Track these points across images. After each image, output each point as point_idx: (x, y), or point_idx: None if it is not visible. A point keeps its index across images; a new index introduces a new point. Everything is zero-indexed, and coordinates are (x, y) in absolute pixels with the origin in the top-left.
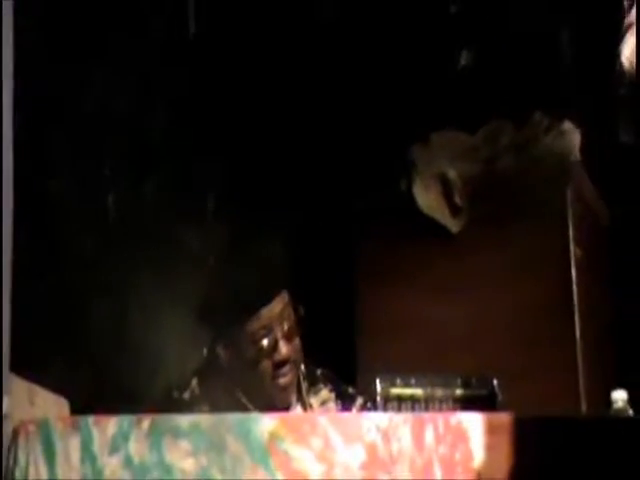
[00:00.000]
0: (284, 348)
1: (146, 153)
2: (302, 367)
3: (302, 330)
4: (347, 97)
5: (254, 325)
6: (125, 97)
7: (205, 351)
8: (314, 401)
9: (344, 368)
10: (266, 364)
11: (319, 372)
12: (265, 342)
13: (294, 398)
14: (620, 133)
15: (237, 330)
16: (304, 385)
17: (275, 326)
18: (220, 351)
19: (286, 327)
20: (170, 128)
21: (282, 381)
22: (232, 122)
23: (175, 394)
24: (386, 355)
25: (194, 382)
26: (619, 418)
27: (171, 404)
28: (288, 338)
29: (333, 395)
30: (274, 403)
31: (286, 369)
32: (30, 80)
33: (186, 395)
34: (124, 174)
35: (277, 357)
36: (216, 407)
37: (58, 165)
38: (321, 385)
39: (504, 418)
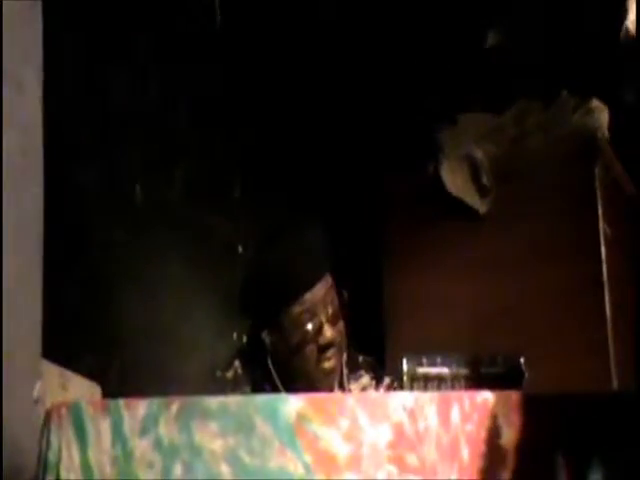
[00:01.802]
0: (328, 332)
1: (174, 139)
2: (345, 353)
3: (346, 314)
4: (377, 80)
5: (298, 309)
6: (150, 86)
7: (246, 337)
8: (354, 387)
9: (372, 350)
10: (311, 348)
11: (361, 359)
12: (309, 326)
13: (336, 384)
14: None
15: (282, 315)
16: (345, 371)
17: (319, 310)
18: (265, 336)
19: (330, 311)
20: (197, 114)
21: (327, 365)
22: (260, 105)
23: (218, 373)
24: (413, 336)
25: (237, 363)
26: (634, 395)
27: (214, 383)
28: (332, 322)
29: (374, 382)
30: (317, 388)
31: (330, 353)
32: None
33: (229, 374)
34: (153, 161)
35: (322, 341)
36: (258, 390)
37: (86, 152)
38: (362, 372)
39: (531, 396)
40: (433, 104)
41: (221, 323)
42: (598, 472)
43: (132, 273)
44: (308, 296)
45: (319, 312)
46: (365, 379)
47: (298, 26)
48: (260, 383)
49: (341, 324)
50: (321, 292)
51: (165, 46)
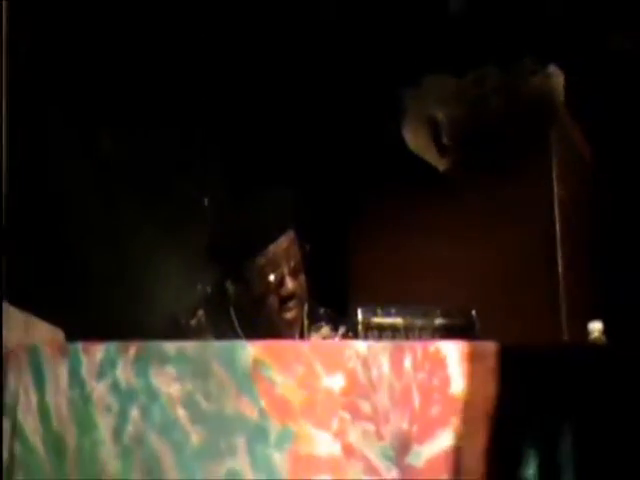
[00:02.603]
0: (290, 283)
1: (142, 98)
2: (306, 304)
3: (307, 267)
4: (341, 42)
5: (262, 261)
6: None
7: (209, 287)
8: (315, 337)
9: (338, 303)
10: (273, 299)
11: (322, 310)
12: (272, 277)
13: (297, 334)
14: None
15: (245, 266)
16: (306, 322)
17: (282, 262)
18: (229, 286)
19: (292, 264)
20: (168, 76)
21: (288, 315)
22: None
23: (182, 321)
24: (375, 290)
25: (200, 312)
26: (590, 346)
27: (177, 330)
28: (294, 274)
29: (334, 333)
30: (279, 338)
31: (292, 304)
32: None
33: (193, 322)
34: (120, 117)
35: (283, 292)
36: (221, 339)
37: (58, 119)
38: (323, 323)
39: (481, 346)
40: (398, 67)
41: (186, 273)
42: (545, 422)
43: (99, 224)
44: (271, 248)
45: (282, 264)
46: (325, 330)
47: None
48: (223, 332)
49: (302, 277)
50: (284, 245)
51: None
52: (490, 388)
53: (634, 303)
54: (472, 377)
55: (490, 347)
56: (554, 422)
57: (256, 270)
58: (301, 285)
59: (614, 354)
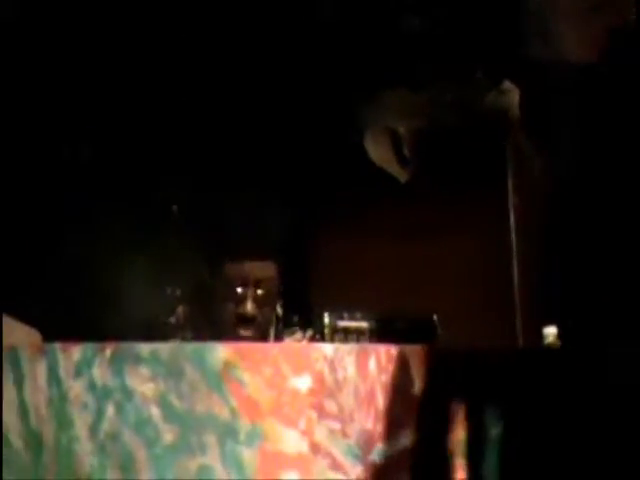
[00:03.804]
0: (249, 307)
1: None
2: (279, 311)
3: (280, 306)
4: (307, 57)
5: (234, 271)
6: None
7: (190, 285)
8: (288, 340)
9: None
10: (231, 310)
11: (296, 318)
12: (239, 290)
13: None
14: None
15: (221, 268)
16: (280, 327)
17: (250, 284)
18: (208, 282)
19: (260, 293)
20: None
21: (242, 333)
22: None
23: (161, 317)
24: (336, 296)
25: (180, 309)
26: (544, 349)
27: (156, 327)
28: (259, 303)
29: (306, 336)
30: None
31: (249, 327)
32: None
33: (172, 319)
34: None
35: (240, 310)
36: (198, 335)
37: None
38: (297, 328)
39: (442, 350)
40: (358, 83)
41: (164, 272)
42: (500, 424)
43: (73, 226)
44: (248, 266)
45: (249, 286)
46: (298, 334)
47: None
48: (201, 328)
49: (269, 311)
50: (260, 273)
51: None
52: (449, 390)
53: (588, 308)
54: (432, 379)
55: (449, 350)
56: (508, 423)
57: (227, 276)
58: (265, 317)
59: (567, 358)
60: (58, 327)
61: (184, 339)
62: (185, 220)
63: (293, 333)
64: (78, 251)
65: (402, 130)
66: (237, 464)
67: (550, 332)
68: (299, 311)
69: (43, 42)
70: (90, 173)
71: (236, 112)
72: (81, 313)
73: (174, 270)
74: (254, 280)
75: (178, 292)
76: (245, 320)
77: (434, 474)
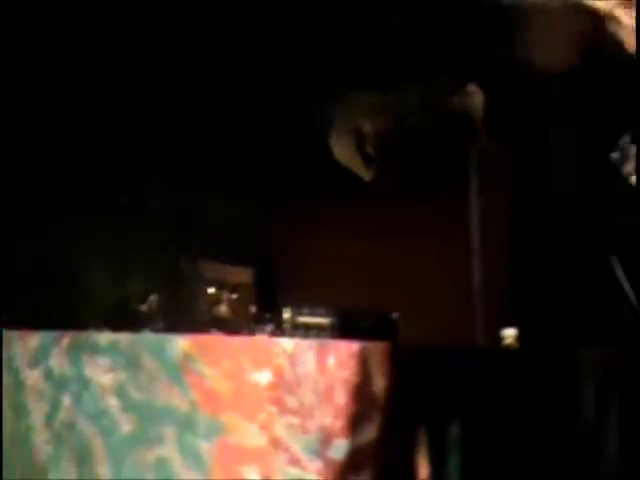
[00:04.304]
0: (224, 310)
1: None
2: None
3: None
4: (272, 54)
5: (211, 272)
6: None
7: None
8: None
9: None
10: (205, 310)
11: (268, 315)
12: (212, 291)
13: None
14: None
15: (198, 268)
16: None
17: (225, 288)
18: (183, 277)
19: (234, 297)
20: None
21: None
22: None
23: (133, 305)
24: (302, 293)
25: (152, 298)
26: (504, 350)
27: (128, 315)
28: (233, 307)
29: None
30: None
31: (221, 327)
32: None
33: (144, 308)
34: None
35: (214, 312)
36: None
37: None
38: (268, 324)
39: (401, 348)
40: (326, 81)
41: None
42: (460, 422)
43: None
44: (227, 269)
45: (225, 288)
46: (269, 329)
47: None
48: (173, 321)
49: (242, 315)
50: (236, 279)
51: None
52: (408, 387)
53: (548, 311)
54: (392, 376)
55: (408, 349)
56: (468, 421)
57: (200, 276)
58: (238, 321)
59: (526, 358)
60: (23, 315)
61: (154, 330)
62: (159, 214)
63: (265, 328)
64: (47, 241)
65: (367, 129)
66: (195, 456)
67: (509, 334)
68: (267, 309)
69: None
70: (60, 163)
71: (205, 111)
72: (47, 302)
73: (148, 261)
74: (230, 284)
75: (151, 282)
76: (219, 322)
77: (396, 471)
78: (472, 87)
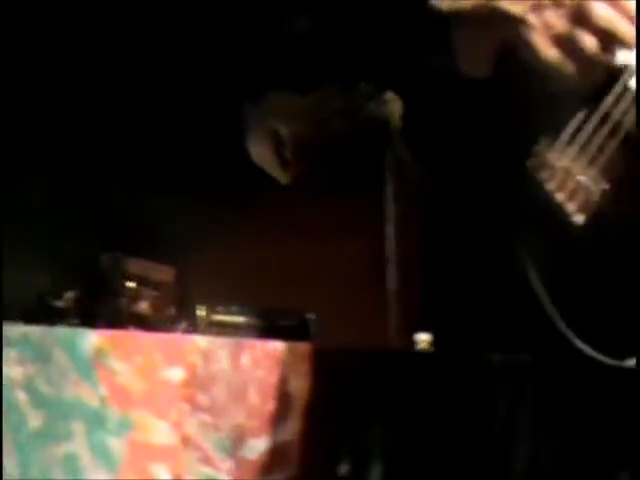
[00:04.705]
0: (145, 307)
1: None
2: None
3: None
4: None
5: (133, 268)
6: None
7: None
8: None
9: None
10: (125, 306)
11: (183, 313)
12: (135, 287)
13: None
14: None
15: (119, 263)
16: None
17: (147, 285)
18: (105, 270)
19: (156, 295)
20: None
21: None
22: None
23: (49, 300)
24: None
25: (69, 294)
26: (418, 353)
27: (44, 310)
28: (154, 305)
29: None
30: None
31: (141, 325)
32: None
33: (60, 304)
34: None
35: (135, 309)
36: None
37: None
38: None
39: (317, 349)
40: (243, 83)
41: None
42: (376, 424)
43: None
44: (147, 266)
45: (145, 284)
46: (183, 326)
47: None
48: (91, 317)
49: (162, 314)
50: (155, 275)
51: None
52: (322, 387)
53: (461, 317)
54: (306, 376)
55: (324, 350)
56: (384, 423)
57: (122, 271)
58: (159, 320)
59: (440, 362)
60: None
61: (70, 325)
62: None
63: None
64: None
65: (284, 132)
66: (105, 453)
67: (423, 338)
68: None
69: None
70: None
71: (124, 110)
72: None
73: (66, 256)
74: (152, 282)
75: (69, 277)
76: (139, 319)
77: (312, 473)
78: (389, 94)
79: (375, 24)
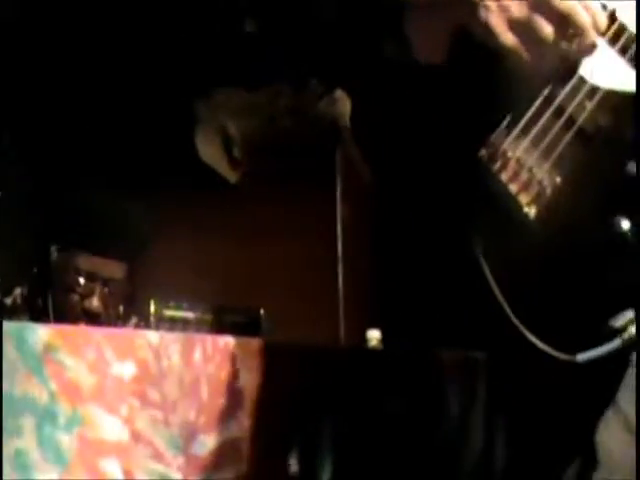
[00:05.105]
0: (95, 303)
1: None
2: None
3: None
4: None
5: (83, 264)
6: None
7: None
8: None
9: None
10: (75, 302)
11: (134, 308)
12: (85, 283)
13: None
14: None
15: (69, 259)
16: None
17: (98, 280)
18: (55, 266)
19: (107, 291)
20: None
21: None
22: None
23: None
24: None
25: (18, 290)
26: (369, 350)
27: None
28: (105, 302)
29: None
30: None
31: (92, 321)
32: None
33: (8, 300)
34: None
35: (85, 305)
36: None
37: None
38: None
39: (268, 344)
40: (191, 79)
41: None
42: (327, 420)
43: None
44: (98, 261)
45: (97, 280)
46: (134, 321)
47: None
48: (39, 314)
49: (113, 310)
50: (108, 271)
51: None
52: (273, 383)
53: (410, 314)
54: (257, 372)
55: (274, 345)
56: (334, 418)
57: (72, 267)
58: (109, 316)
59: (387, 358)
60: None
61: (20, 321)
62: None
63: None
64: None
65: (233, 130)
66: (55, 449)
67: (373, 336)
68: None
69: None
70: None
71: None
72: None
73: (14, 250)
74: (103, 277)
75: (17, 272)
76: (90, 315)
77: (263, 469)
78: (339, 93)
79: (325, 19)
